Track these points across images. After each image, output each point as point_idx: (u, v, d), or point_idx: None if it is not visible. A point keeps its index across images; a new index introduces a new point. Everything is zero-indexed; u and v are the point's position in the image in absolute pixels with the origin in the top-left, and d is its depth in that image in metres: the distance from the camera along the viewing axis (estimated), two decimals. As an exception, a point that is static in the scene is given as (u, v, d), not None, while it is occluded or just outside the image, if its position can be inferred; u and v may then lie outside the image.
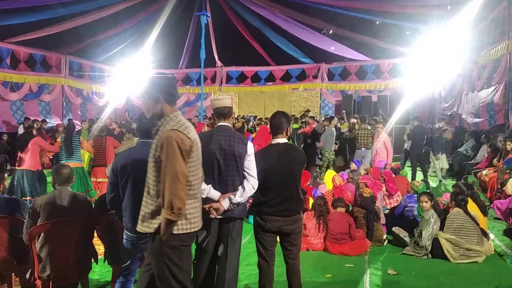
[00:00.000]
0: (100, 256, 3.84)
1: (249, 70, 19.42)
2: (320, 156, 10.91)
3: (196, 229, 2.56)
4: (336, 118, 11.20)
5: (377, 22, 16.21)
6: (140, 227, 2.53)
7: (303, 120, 12.41)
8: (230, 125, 3.32)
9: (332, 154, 10.11)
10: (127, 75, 17.56)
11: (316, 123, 11.66)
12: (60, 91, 15.55)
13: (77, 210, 3.42)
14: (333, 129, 10.38)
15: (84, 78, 16.77)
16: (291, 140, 10.36)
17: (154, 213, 2.47)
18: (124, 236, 3.05)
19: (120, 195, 3.01)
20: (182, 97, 20.05)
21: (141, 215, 2.54)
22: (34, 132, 9.15)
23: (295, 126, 10.89)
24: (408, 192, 6.47)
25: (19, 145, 7.63)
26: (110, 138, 7.80)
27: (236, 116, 14.98)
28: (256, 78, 19.47)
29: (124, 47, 16.73)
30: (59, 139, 7.30)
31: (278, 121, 3.36)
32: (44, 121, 13.29)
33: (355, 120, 11.47)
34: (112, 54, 17.04)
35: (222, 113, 3.25)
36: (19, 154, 7.13)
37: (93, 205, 3.66)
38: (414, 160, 9.52)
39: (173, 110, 2.57)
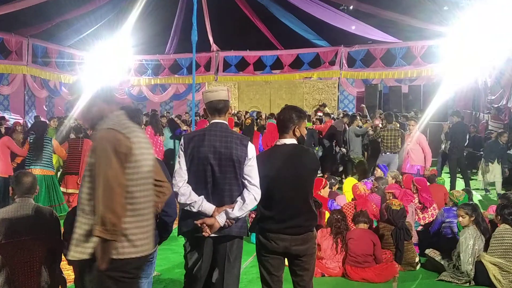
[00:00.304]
0: (70, 284, 3.84)
1: (251, 55, 19.46)
2: (338, 162, 10.93)
3: (143, 254, 2.50)
4: (358, 117, 11.14)
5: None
6: (73, 254, 2.41)
7: (317, 117, 12.42)
8: (226, 123, 3.32)
9: (363, 161, 10.13)
10: (102, 62, 17.65)
11: (332, 121, 11.67)
12: (21, 82, 15.61)
13: (41, 227, 3.43)
14: (357, 129, 10.39)
15: (50, 66, 16.89)
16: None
17: (90, 235, 2.36)
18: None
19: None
20: (170, 88, 20.16)
21: (74, 238, 2.43)
22: (2, 130, 9.12)
23: (308, 124, 10.90)
24: (446, 204, 6.44)
25: None
26: (88, 141, 7.76)
27: (235, 112, 15.02)
28: (259, 65, 19.51)
29: (99, 28, 16.85)
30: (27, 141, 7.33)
31: (287, 117, 3.35)
32: (3, 118, 13.36)
33: (378, 120, 11.46)
34: (84, 37, 17.16)
35: (217, 108, 3.25)
36: None
37: (61, 222, 3.66)
38: (454, 165, 9.49)
39: (113, 109, 2.58)
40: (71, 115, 12.33)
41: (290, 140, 3.36)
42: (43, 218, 3.48)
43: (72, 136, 8.55)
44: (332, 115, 13.40)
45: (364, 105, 14.95)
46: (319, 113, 12.79)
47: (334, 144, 11.12)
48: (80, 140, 7.69)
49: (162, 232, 3.15)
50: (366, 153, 10.74)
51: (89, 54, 17.97)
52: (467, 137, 9.84)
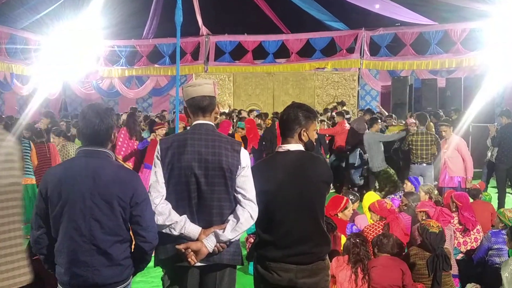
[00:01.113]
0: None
1: (249, 40, 19.56)
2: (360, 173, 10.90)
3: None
4: (379, 119, 11.06)
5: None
6: None
7: (329, 115, 12.44)
8: (212, 124, 3.33)
9: (388, 172, 10.06)
10: (64, 49, 17.66)
11: (345, 121, 11.67)
12: (-38, 73, 15.70)
13: None
14: (378, 135, 10.35)
15: (-1, 53, 16.89)
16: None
17: None
18: (58, 293, 3.06)
19: (52, 233, 3.02)
20: (148, 81, 20.22)
21: None
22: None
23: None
24: (493, 226, 6.41)
25: None
26: (54, 145, 8.25)
27: (228, 111, 15.00)
28: (260, 53, 19.60)
29: (60, 6, 16.85)
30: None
31: (292, 117, 3.36)
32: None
33: (412, 120, 11.44)
34: (41, 18, 17.15)
35: (200, 106, 3.27)
36: None
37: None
38: (503, 177, 9.46)
39: None
40: (25, 114, 12.45)
41: (295, 146, 3.37)
42: None
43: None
44: (348, 115, 13.34)
45: (379, 104, 14.95)
46: (334, 113, 12.80)
47: (357, 151, 11.11)
48: (46, 145, 8.06)
49: (137, 262, 3.13)
50: (400, 162, 10.65)
51: (47, 38, 18.00)
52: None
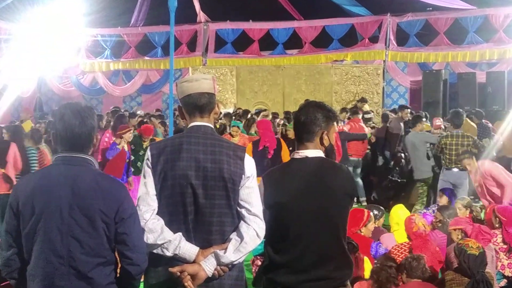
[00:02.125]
0: None
1: (255, 28, 19.63)
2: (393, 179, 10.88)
3: None
4: (423, 118, 10.92)
5: None
6: None
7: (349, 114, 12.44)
8: (211, 126, 3.34)
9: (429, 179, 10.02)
10: (39, 39, 17.72)
11: (361, 121, 11.76)
12: None
13: None
14: (426, 135, 10.28)
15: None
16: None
17: None
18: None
19: (24, 253, 3.01)
20: (137, 77, 20.30)
21: None
22: (5, 136, 9.79)
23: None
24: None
25: None
26: (45, 151, 8.88)
27: (233, 111, 15.00)
28: (268, 43, 19.68)
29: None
30: None
31: (311, 117, 3.36)
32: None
33: (438, 121, 11.41)
34: (12, 3, 17.21)
35: (197, 104, 3.27)
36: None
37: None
38: None
39: None
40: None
41: (314, 152, 3.36)
42: None
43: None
44: (370, 115, 13.30)
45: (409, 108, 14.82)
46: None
47: (384, 155, 11.11)
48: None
49: None
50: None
51: (19, 26, 18.07)
52: None
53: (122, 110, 15.57)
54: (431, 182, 10.05)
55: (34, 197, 2.94)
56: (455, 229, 6.19)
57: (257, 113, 14.78)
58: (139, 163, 9.27)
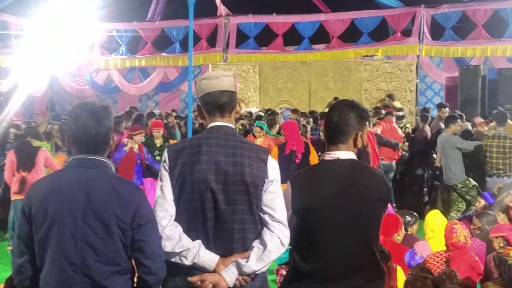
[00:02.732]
0: None
1: (279, 22, 19.62)
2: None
3: None
4: (459, 118, 10.76)
5: None
6: None
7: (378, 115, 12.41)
8: (233, 126, 3.34)
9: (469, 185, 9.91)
10: (51, 35, 17.88)
11: (393, 122, 11.67)
12: None
13: None
14: (457, 140, 10.13)
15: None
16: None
17: None
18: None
19: (37, 261, 3.03)
20: (154, 74, 20.37)
21: None
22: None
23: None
24: None
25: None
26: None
27: (256, 111, 15.01)
28: (293, 38, 19.68)
29: (47, -18, 17.11)
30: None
31: (346, 117, 3.34)
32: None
33: (480, 119, 11.31)
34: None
35: (218, 103, 3.27)
36: (21, 173, 8.47)
37: None
38: None
39: None
40: (5, 114, 12.71)
41: (346, 154, 3.35)
42: None
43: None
44: (402, 112, 13.20)
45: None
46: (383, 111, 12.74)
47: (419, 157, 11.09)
48: None
49: None
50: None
51: (30, 21, 18.22)
52: None
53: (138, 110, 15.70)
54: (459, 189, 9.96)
55: (47, 202, 2.96)
56: (496, 237, 6.13)
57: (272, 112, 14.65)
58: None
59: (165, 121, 12.58)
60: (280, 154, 8.56)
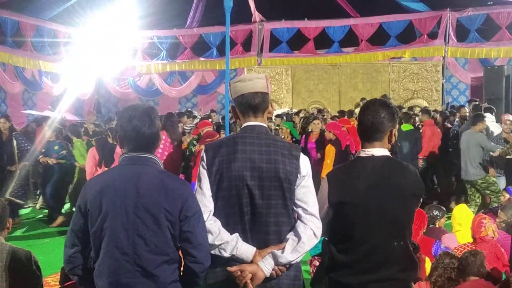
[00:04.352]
0: None
1: (311, 26, 19.60)
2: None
3: None
4: (485, 117, 10.57)
5: None
6: None
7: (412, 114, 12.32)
8: (266, 126, 3.34)
9: (488, 181, 9.80)
10: (97, 43, 18.08)
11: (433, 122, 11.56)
12: (-15, 71, 16.14)
13: (15, 277, 3.64)
14: (483, 139, 9.93)
15: (25, 48, 17.36)
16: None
17: None
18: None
19: (93, 251, 3.09)
20: (193, 77, 20.46)
21: None
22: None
23: (407, 127, 10.74)
24: None
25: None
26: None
27: (287, 111, 15.01)
28: (324, 41, 19.59)
29: (93, -6, 17.29)
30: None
31: (381, 115, 3.32)
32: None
33: (509, 117, 11.14)
34: (71, 7, 17.55)
35: (251, 104, 3.28)
36: (103, 168, 9.18)
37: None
38: None
39: None
40: (56, 114, 12.98)
41: (380, 151, 3.33)
42: (19, 266, 3.68)
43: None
44: (428, 111, 13.08)
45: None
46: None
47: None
48: None
49: (187, 286, 3.16)
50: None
51: (78, 30, 18.47)
52: None
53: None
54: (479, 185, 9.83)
55: (102, 197, 3.00)
56: None
57: (297, 113, 14.60)
58: None
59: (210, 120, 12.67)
60: (337, 151, 8.79)
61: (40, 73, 17.85)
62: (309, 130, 10.70)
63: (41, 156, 10.53)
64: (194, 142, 9.47)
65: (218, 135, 9.28)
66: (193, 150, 9.34)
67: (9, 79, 16.81)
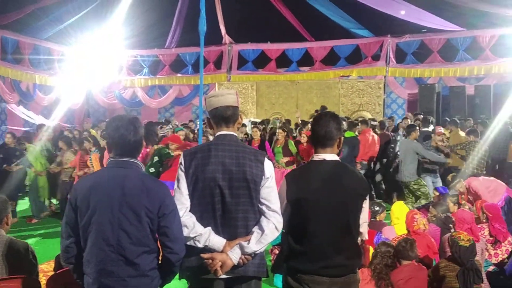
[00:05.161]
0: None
1: (273, 48, 19.59)
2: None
3: None
4: (417, 127, 10.59)
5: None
6: None
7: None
8: (236, 134, 3.36)
9: (419, 183, 9.89)
10: (87, 59, 17.90)
11: (371, 130, 11.69)
12: (-13, 84, 15.84)
13: (14, 266, 3.60)
14: (416, 143, 10.00)
15: (23, 63, 17.13)
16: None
17: None
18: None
19: (81, 242, 3.07)
20: (171, 91, 20.37)
21: None
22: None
23: (349, 134, 10.83)
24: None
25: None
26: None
27: (255, 121, 14.99)
28: (284, 61, 19.61)
29: (83, 17, 17.10)
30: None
31: (334, 126, 3.37)
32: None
33: (440, 129, 11.30)
34: (64, 28, 17.41)
35: (224, 116, 3.30)
36: None
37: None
38: None
39: None
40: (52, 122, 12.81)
41: (331, 156, 3.38)
42: (17, 255, 3.64)
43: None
44: (373, 122, 13.21)
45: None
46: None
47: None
48: None
49: (164, 274, 3.16)
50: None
51: (70, 49, 18.26)
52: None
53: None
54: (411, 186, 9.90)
55: (90, 195, 3.00)
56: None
57: (260, 122, 14.54)
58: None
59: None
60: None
61: (34, 86, 17.58)
62: (276, 139, 10.74)
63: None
64: (166, 149, 9.47)
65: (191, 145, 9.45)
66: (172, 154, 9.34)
67: (8, 90, 16.55)
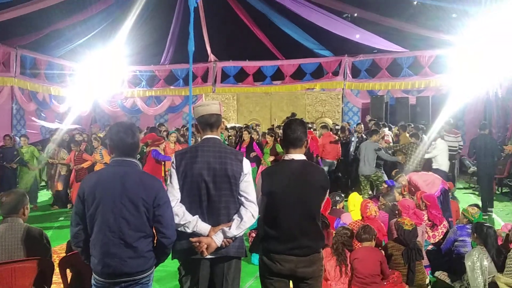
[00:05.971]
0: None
1: (250, 65, 19.59)
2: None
3: None
4: (379, 132, 10.74)
5: (415, 3, 16.32)
6: None
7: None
8: (219, 138, 3.37)
9: (378, 175, 10.01)
10: (94, 74, 17.73)
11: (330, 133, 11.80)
12: (8, 94, 15.57)
13: (31, 250, 3.55)
14: (376, 144, 10.12)
15: (39, 77, 16.93)
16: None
17: None
18: (93, 281, 3.08)
19: (88, 229, 3.05)
20: (165, 100, 20.22)
21: None
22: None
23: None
24: (458, 221, 6.41)
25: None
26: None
27: (236, 126, 14.99)
28: (259, 76, 19.62)
29: (91, 38, 16.94)
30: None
31: (302, 130, 3.39)
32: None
33: (387, 131, 11.41)
34: (75, 47, 17.24)
35: (209, 122, 3.32)
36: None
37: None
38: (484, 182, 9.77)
39: None
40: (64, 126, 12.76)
41: (299, 156, 3.39)
42: (33, 240, 3.60)
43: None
44: (337, 127, 13.34)
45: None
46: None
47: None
48: None
49: (159, 255, 3.16)
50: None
51: (80, 65, 18.04)
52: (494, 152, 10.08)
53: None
54: (371, 178, 10.06)
55: (96, 189, 2.99)
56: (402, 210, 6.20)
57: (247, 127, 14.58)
58: None
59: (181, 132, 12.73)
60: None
61: (50, 96, 17.37)
62: (243, 140, 11.04)
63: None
64: (144, 147, 9.59)
65: (163, 139, 9.87)
66: (145, 151, 9.60)
67: (26, 100, 16.31)
